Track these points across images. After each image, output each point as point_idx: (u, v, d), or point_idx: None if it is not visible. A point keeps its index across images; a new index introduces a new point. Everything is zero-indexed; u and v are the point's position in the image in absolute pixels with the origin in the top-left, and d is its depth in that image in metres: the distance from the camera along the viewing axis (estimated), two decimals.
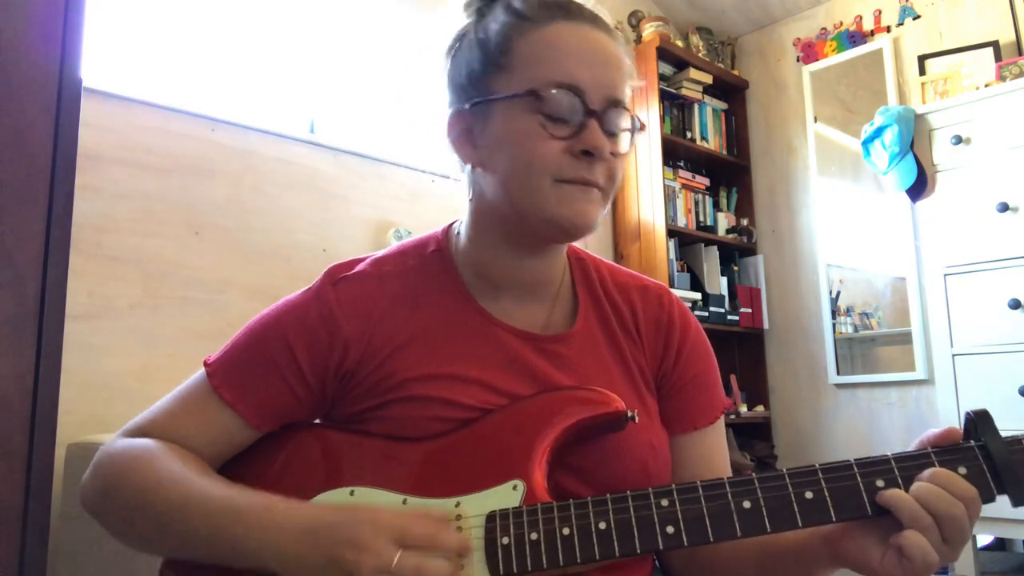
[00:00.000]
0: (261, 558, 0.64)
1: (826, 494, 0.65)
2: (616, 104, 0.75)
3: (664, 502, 0.66)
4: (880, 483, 0.64)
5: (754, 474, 0.67)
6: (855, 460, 0.66)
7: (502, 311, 0.82)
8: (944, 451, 0.65)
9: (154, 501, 0.69)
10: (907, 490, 0.63)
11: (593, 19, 0.77)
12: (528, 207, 0.74)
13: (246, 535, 0.64)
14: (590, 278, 0.87)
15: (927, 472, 0.63)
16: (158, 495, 0.69)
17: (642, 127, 0.79)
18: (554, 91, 0.72)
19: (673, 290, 0.92)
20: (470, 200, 0.81)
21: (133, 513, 0.71)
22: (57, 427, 0.87)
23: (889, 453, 0.66)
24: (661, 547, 0.65)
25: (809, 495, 0.65)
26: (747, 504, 0.65)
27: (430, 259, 0.84)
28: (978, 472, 0.63)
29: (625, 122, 0.77)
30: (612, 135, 0.76)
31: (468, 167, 0.80)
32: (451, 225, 0.88)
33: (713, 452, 0.85)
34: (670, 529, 0.65)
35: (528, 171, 0.73)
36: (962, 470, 0.63)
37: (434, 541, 0.62)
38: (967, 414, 0.66)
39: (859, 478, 0.65)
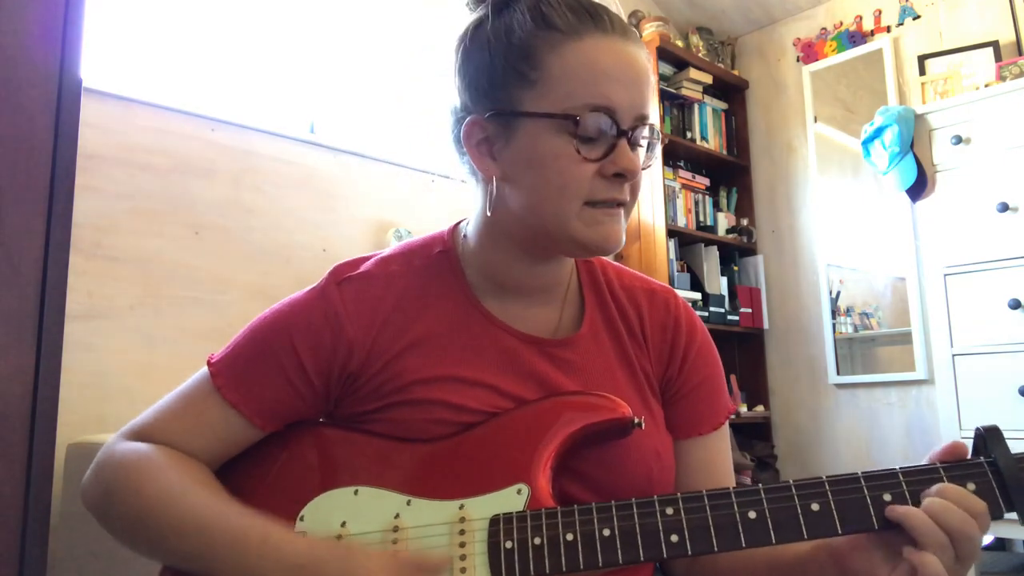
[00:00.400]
0: None
1: (832, 507, 0.64)
2: (643, 119, 0.74)
3: (669, 510, 0.66)
4: (887, 497, 0.64)
5: (760, 484, 0.66)
6: (863, 473, 0.65)
7: (508, 314, 0.81)
8: (953, 466, 0.64)
9: (152, 518, 0.69)
10: (915, 505, 0.62)
11: (624, 31, 0.74)
12: (556, 228, 0.74)
13: (240, 562, 0.65)
14: (597, 281, 0.87)
15: (936, 487, 0.63)
16: (157, 512, 0.68)
17: (663, 139, 0.78)
18: (589, 114, 0.71)
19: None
20: (485, 208, 0.79)
21: (132, 526, 0.71)
22: (57, 427, 0.87)
23: (897, 467, 0.65)
24: (665, 556, 0.65)
25: (815, 507, 0.64)
26: (752, 515, 0.65)
27: (436, 260, 0.84)
28: (987, 488, 0.63)
29: (647, 135, 0.76)
30: (636, 148, 0.75)
31: (483, 176, 0.78)
32: (457, 226, 0.87)
33: (716, 458, 0.85)
34: (674, 538, 0.65)
35: (560, 194, 0.72)
36: (971, 486, 0.63)
37: None
38: (977, 429, 0.65)
39: (866, 491, 0.64)
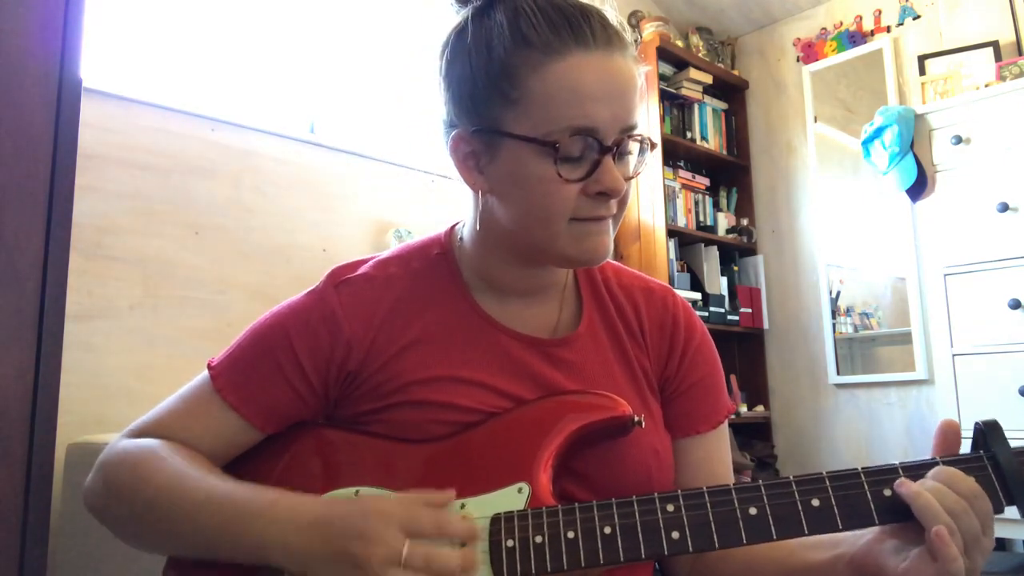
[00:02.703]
0: (267, 552, 0.63)
1: (833, 502, 0.64)
2: (629, 130, 0.73)
3: (670, 507, 0.66)
4: (887, 492, 0.64)
5: (761, 481, 0.66)
6: (862, 468, 0.65)
7: (506, 315, 0.82)
8: (952, 461, 0.65)
9: (159, 499, 0.69)
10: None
11: (607, 41, 0.71)
12: (544, 244, 0.74)
13: (252, 529, 0.64)
14: (594, 279, 0.87)
15: (932, 471, 0.63)
16: (164, 497, 0.68)
17: (652, 146, 0.76)
18: (570, 137, 0.69)
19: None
20: (476, 218, 0.79)
21: (140, 516, 0.71)
22: (57, 427, 0.87)
23: (897, 462, 0.66)
24: (666, 553, 0.65)
25: (816, 503, 0.64)
26: (753, 511, 0.65)
27: (434, 262, 0.84)
28: (987, 482, 0.63)
29: (636, 145, 0.75)
30: (624, 156, 0.74)
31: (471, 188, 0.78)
32: (454, 227, 0.87)
33: (714, 457, 0.85)
34: (675, 535, 0.65)
35: (545, 214, 0.72)
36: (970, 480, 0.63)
37: (443, 529, 0.62)
38: (976, 424, 0.65)
39: (866, 486, 0.64)
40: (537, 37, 0.70)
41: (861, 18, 3.43)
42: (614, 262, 0.91)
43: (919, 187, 2.71)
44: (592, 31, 0.71)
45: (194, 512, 0.67)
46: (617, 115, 0.71)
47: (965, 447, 0.66)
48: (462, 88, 0.75)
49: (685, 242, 3.44)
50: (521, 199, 0.73)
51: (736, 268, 3.62)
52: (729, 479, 0.85)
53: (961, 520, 0.60)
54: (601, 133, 0.70)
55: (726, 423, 0.87)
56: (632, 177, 0.76)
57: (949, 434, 0.67)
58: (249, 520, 0.64)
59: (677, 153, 3.51)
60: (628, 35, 0.75)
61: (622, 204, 0.76)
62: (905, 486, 0.62)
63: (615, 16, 0.75)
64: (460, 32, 0.77)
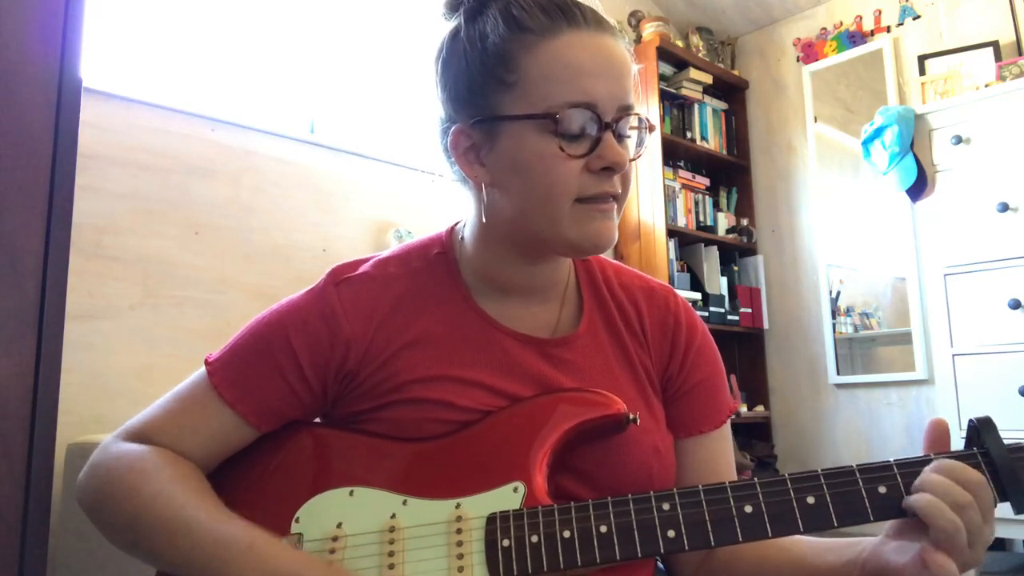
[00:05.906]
0: None
1: (828, 499, 0.64)
2: (627, 109, 0.74)
3: (665, 506, 0.66)
4: (882, 489, 0.64)
5: (756, 479, 0.66)
6: (857, 466, 0.66)
7: (506, 315, 0.82)
8: (946, 457, 0.65)
9: (143, 520, 0.69)
10: (910, 493, 0.63)
11: (598, 22, 0.74)
12: (548, 229, 0.74)
13: (225, 569, 0.64)
14: (595, 279, 0.87)
15: (933, 464, 0.63)
16: (147, 515, 0.69)
17: (651, 127, 0.77)
18: (570, 111, 0.70)
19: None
20: (478, 213, 0.79)
21: (124, 527, 0.71)
22: (57, 427, 0.87)
23: (891, 459, 0.66)
24: (662, 551, 0.65)
25: (811, 500, 0.65)
26: (748, 508, 0.65)
27: (434, 262, 0.84)
28: None
29: (635, 125, 0.76)
30: (623, 139, 0.75)
31: (473, 183, 0.78)
32: (454, 227, 0.87)
33: (718, 457, 0.85)
34: (671, 533, 0.65)
35: (548, 194, 0.72)
36: None
37: None
38: (970, 421, 0.66)
39: (861, 484, 0.65)
40: (530, 20, 0.72)
41: (861, 18, 3.43)
42: (615, 262, 0.92)
43: (919, 187, 2.71)
44: (583, 14, 0.73)
45: (172, 535, 0.67)
46: (613, 92, 0.72)
47: (959, 444, 0.67)
48: (459, 84, 0.76)
49: (685, 242, 3.44)
50: (523, 183, 0.73)
51: (736, 268, 3.62)
52: (733, 477, 0.85)
53: (965, 513, 0.60)
54: (600, 108, 0.71)
55: (728, 423, 0.87)
56: (633, 159, 0.76)
57: (938, 433, 0.67)
58: (223, 557, 0.65)
59: (677, 153, 3.51)
60: (618, 28, 0.76)
61: (625, 185, 0.76)
62: (912, 501, 0.62)
63: (605, 12, 0.77)
64: (454, 36, 0.78)
